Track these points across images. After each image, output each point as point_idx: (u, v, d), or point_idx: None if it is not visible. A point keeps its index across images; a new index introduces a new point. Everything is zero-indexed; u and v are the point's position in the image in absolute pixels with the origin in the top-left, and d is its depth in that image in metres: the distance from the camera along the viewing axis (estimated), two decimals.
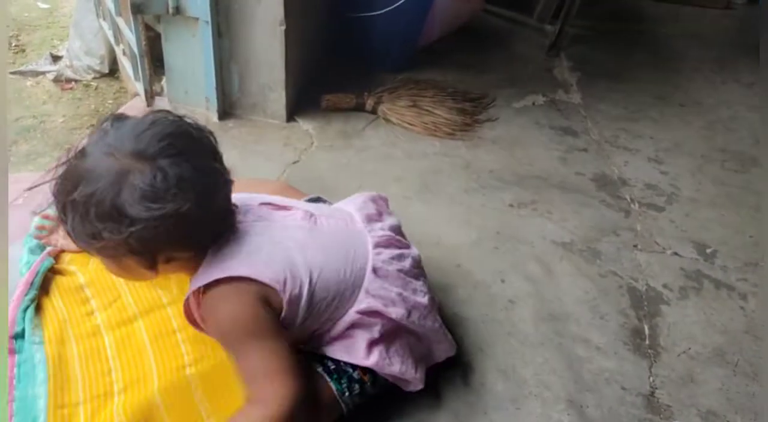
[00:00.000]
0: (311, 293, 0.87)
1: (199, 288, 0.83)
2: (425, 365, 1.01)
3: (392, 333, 0.95)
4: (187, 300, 0.87)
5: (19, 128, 2.47)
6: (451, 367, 1.09)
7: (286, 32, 1.61)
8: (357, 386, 0.94)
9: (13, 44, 3.05)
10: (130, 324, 0.97)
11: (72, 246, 1.04)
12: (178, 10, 1.57)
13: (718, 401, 1.11)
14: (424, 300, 0.98)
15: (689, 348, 1.22)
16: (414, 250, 1.04)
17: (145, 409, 0.86)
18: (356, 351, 0.92)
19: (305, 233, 0.91)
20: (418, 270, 1.02)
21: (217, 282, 0.81)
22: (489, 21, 2.75)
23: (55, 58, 2.88)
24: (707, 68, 2.53)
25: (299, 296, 0.85)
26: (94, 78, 2.79)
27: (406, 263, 0.99)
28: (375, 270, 0.93)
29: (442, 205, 1.54)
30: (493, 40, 2.59)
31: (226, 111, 1.77)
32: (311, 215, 0.95)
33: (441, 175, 1.66)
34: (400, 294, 0.94)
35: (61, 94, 2.72)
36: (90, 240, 0.76)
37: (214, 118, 1.75)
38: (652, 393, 1.12)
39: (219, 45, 1.64)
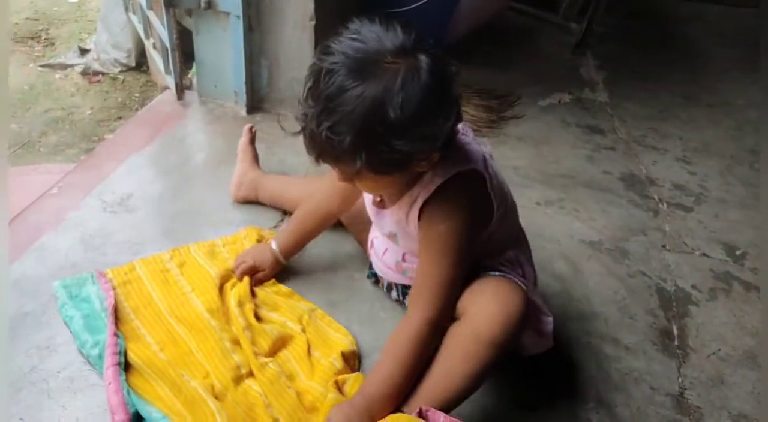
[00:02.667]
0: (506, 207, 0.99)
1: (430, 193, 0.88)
2: None
3: None
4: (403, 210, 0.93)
5: (48, 120, 2.52)
6: None
7: (316, 27, 1.61)
8: None
9: (43, 38, 3.11)
10: (234, 388, 0.98)
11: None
12: (209, 4, 1.59)
13: (750, 404, 1.10)
14: None
15: (719, 350, 1.21)
16: None
17: None
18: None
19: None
20: None
21: (456, 175, 0.87)
22: (514, 18, 2.74)
23: (83, 51, 2.93)
24: (736, 68, 2.50)
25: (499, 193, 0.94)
26: (121, 71, 2.83)
27: None
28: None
29: None
30: (519, 38, 2.58)
31: (254, 105, 1.78)
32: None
33: None
34: None
35: (88, 87, 2.76)
36: (417, 145, 0.77)
37: (243, 112, 1.76)
38: (682, 394, 1.11)
39: (249, 39, 1.65)
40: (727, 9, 3.13)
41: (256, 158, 1.43)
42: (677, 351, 1.20)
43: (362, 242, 1.25)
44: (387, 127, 0.74)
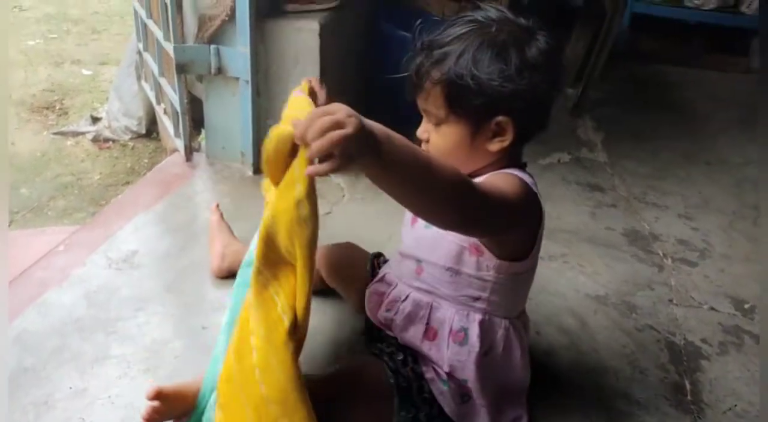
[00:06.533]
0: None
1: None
2: None
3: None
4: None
5: (57, 185, 2.57)
6: None
7: None
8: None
9: (57, 108, 3.22)
10: None
11: None
12: (220, 70, 1.66)
13: None
14: None
15: (735, 405, 1.18)
16: None
17: None
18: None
19: None
20: None
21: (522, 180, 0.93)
22: None
23: (95, 120, 3.02)
24: (733, 128, 2.56)
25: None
26: (131, 138, 2.90)
27: None
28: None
29: None
30: None
31: (260, 165, 1.82)
32: None
33: None
34: None
35: (98, 153, 2.83)
36: (495, 86, 0.84)
37: (249, 172, 1.80)
38: None
39: (257, 103, 1.71)
40: (719, 74, 3.25)
41: (231, 231, 1.41)
42: (691, 406, 1.16)
43: (351, 295, 1.23)
44: (471, 66, 0.84)
